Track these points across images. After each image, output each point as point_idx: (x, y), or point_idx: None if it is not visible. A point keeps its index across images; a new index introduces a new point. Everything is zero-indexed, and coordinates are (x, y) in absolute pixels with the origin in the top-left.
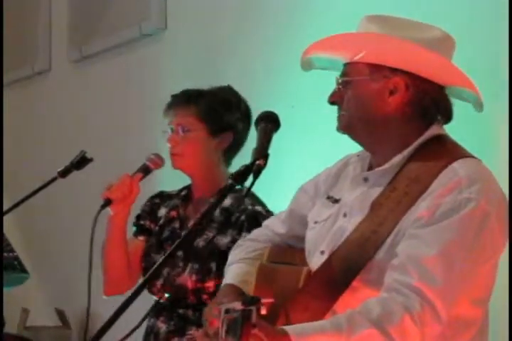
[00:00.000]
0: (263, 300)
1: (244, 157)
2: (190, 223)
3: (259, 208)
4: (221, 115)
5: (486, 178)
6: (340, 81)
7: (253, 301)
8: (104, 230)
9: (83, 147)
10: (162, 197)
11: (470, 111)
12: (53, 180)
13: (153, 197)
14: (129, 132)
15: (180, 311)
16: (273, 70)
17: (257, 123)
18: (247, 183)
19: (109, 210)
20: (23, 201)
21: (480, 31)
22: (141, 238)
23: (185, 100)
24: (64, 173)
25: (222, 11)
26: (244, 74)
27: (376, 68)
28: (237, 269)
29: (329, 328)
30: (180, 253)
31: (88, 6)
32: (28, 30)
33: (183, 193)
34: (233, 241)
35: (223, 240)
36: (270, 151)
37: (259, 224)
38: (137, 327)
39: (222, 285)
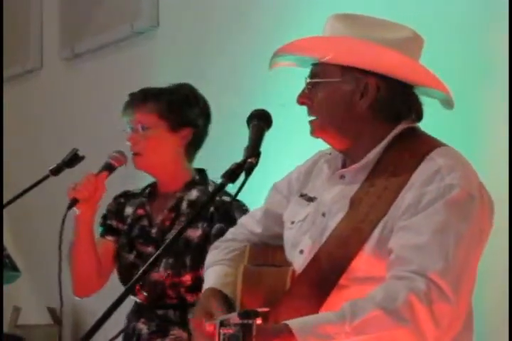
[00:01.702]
0: (260, 310)
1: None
2: (158, 219)
3: (227, 198)
4: (180, 111)
5: (464, 164)
6: (309, 82)
7: (251, 314)
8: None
9: (75, 145)
10: (127, 196)
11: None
12: (45, 178)
13: (117, 197)
14: (120, 130)
15: (160, 312)
16: (264, 68)
17: (249, 121)
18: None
19: (75, 210)
20: (14, 199)
21: (475, 29)
22: (109, 238)
23: (144, 98)
24: (56, 171)
25: (214, 8)
26: (235, 72)
27: (347, 70)
28: (216, 272)
29: (332, 317)
30: (151, 249)
31: (79, 4)
32: (19, 28)
33: (147, 191)
34: (205, 234)
35: (195, 233)
36: (261, 150)
37: (228, 214)
38: (124, 329)
39: (203, 289)
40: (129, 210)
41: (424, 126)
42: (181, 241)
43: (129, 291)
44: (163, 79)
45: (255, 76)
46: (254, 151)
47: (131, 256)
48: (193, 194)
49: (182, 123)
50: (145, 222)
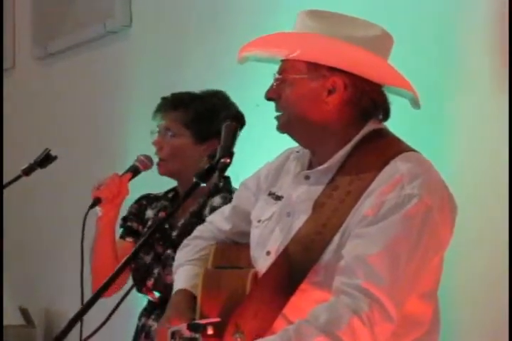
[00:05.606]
0: (209, 321)
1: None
2: (180, 223)
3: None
4: (207, 123)
5: (428, 172)
6: (277, 77)
7: (200, 327)
8: (89, 230)
9: (48, 145)
10: (148, 198)
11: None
12: (17, 178)
13: (139, 199)
14: (94, 129)
15: None
16: (238, 69)
17: (221, 121)
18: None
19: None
20: None
21: (447, 29)
22: (129, 239)
23: (174, 104)
24: (28, 171)
25: (187, 8)
26: (209, 73)
27: (314, 67)
28: (186, 272)
29: None
30: (170, 252)
31: (52, 3)
32: None
33: (170, 195)
34: None
35: None
36: (235, 150)
37: None
38: (103, 324)
39: (174, 290)
40: (149, 213)
41: (397, 126)
42: None
43: (101, 292)
44: (135, 78)
45: (229, 76)
46: (227, 151)
47: (148, 258)
48: (216, 200)
49: (207, 135)
50: (166, 225)
